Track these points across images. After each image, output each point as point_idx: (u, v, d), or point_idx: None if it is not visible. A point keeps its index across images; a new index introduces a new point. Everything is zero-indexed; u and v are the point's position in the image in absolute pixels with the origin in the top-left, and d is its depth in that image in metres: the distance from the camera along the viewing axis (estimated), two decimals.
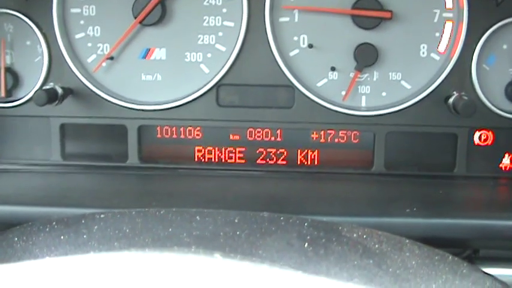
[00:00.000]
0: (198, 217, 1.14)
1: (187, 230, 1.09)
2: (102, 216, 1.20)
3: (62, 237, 1.16)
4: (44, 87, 2.40)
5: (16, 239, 1.23)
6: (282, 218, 1.15)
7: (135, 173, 2.48)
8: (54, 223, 1.23)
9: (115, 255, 1.03)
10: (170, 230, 1.09)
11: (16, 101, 2.49)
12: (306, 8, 2.38)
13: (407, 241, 1.19)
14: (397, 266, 1.08)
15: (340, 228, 1.17)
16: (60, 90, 2.41)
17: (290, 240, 1.08)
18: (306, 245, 1.08)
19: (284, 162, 2.47)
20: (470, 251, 2.04)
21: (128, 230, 1.11)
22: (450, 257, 1.18)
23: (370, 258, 1.08)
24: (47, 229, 1.21)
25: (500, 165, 2.42)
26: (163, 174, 2.48)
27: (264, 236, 1.08)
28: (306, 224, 1.15)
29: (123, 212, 1.19)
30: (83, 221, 1.19)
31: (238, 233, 1.08)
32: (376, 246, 1.14)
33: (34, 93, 2.39)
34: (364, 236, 1.16)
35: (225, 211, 1.17)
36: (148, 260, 0.98)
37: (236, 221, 1.12)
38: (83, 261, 1.01)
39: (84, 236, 1.13)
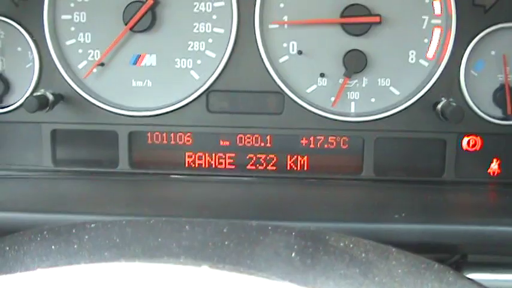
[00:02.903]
0: (187, 227, 1.16)
1: (177, 240, 1.10)
2: (92, 225, 1.21)
3: (53, 246, 1.17)
4: (35, 94, 2.42)
5: (7, 248, 1.24)
6: (269, 228, 1.17)
7: (126, 179, 2.50)
8: (45, 232, 1.24)
9: (105, 266, 1.04)
10: (160, 240, 1.11)
11: (7, 107, 2.50)
12: (295, 22, 2.41)
13: (394, 250, 1.21)
14: (383, 275, 1.10)
15: (327, 237, 1.19)
16: (51, 97, 2.42)
17: (277, 249, 1.10)
18: (293, 254, 1.10)
19: (274, 168, 2.48)
20: (459, 256, 2.06)
21: (118, 240, 1.13)
22: (436, 265, 1.20)
23: (357, 267, 1.10)
24: (38, 238, 1.22)
25: (489, 171, 2.45)
26: (154, 180, 2.49)
27: (251, 245, 1.10)
28: (293, 234, 1.16)
29: (114, 221, 1.21)
30: (74, 231, 1.21)
31: (226, 242, 1.09)
32: (363, 255, 1.16)
33: (25, 99, 2.40)
34: (351, 245, 1.18)
35: (214, 220, 1.19)
36: (138, 270, 1.00)
37: (225, 230, 1.14)
38: (73, 271, 1.02)
39: (75, 246, 1.15)
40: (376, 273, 1.10)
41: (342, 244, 1.18)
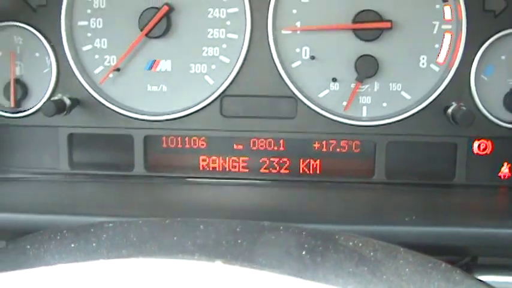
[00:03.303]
0: (201, 226, 1.20)
1: (192, 238, 1.14)
2: (110, 225, 1.25)
3: (72, 245, 1.21)
4: (53, 98, 2.46)
5: (28, 246, 1.28)
6: (281, 227, 1.21)
7: (141, 182, 2.53)
8: (64, 231, 1.28)
9: (123, 262, 1.08)
10: (175, 238, 1.15)
11: (25, 111, 2.55)
12: (308, 28, 2.44)
13: (401, 249, 1.25)
14: (391, 273, 1.13)
15: (336, 236, 1.23)
16: (68, 101, 2.46)
17: (289, 248, 1.14)
18: (304, 253, 1.13)
19: (287, 171, 2.51)
20: (469, 258, 2.08)
21: (135, 239, 1.17)
22: (443, 265, 1.23)
23: (365, 265, 1.14)
24: (58, 237, 1.27)
25: (499, 174, 2.47)
26: (169, 183, 2.53)
27: (264, 244, 1.14)
28: (304, 233, 1.20)
29: (131, 221, 1.25)
30: (92, 230, 1.25)
31: (239, 241, 1.13)
32: (371, 254, 1.19)
33: (43, 104, 2.44)
34: (360, 244, 1.22)
35: (227, 220, 1.23)
36: (155, 267, 1.04)
37: (238, 229, 1.18)
38: (92, 268, 1.06)
39: (94, 244, 1.19)
40: (384, 272, 1.14)
41: (351, 243, 1.22)
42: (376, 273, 1.12)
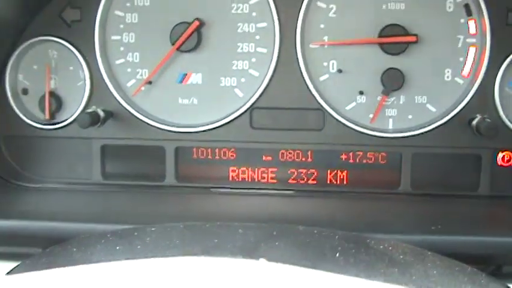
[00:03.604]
0: (240, 230, 1.27)
1: (232, 241, 1.21)
2: (153, 229, 1.32)
3: (117, 247, 1.28)
4: (87, 111, 2.53)
5: (75, 249, 1.35)
6: (315, 231, 1.27)
7: (172, 192, 2.58)
8: (109, 235, 1.36)
9: (170, 261, 1.15)
10: (216, 241, 1.22)
11: (59, 123, 2.61)
12: (335, 42, 2.49)
13: (429, 253, 1.31)
14: (420, 275, 1.20)
15: (368, 240, 1.29)
16: (102, 113, 2.53)
17: (324, 250, 1.20)
18: (338, 254, 1.20)
19: (314, 182, 2.56)
20: (493, 267, 2.11)
21: (178, 241, 1.24)
22: (469, 268, 1.29)
23: (395, 267, 1.20)
24: (103, 240, 1.34)
25: None
26: (199, 193, 2.57)
27: (300, 246, 1.20)
28: (337, 237, 1.27)
29: (173, 225, 1.32)
30: (136, 233, 1.32)
31: (277, 243, 1.20)
32: (401, 256, 1.26)
33: (78, 116, 2.52)
34: (390, 248, 1.28)
35: (264, 225, 1.30)
36: (199, 267, 1.11)
37: (274, 233, 1.25)
38: (138, 267, 1.13)
39: (138, 247, 1.26)
40: (413, 273, 1.20)
41: (381, 247, 1.28)
42: (406, 274, 1.19)
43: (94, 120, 2.48)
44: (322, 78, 2.53)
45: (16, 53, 2.59)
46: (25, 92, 2.65)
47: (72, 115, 2.60)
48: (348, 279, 1.04)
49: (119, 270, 1.12)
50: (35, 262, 1.47)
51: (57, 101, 2.61)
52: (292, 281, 1.02)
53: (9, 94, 2.61)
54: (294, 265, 1.06)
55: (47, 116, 2.60)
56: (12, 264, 2.21)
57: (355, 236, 1.31)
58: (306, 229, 1.29)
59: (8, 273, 1.58)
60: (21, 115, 2.62)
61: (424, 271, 1.22)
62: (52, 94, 2.61)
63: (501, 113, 2.45)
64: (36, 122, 2.62)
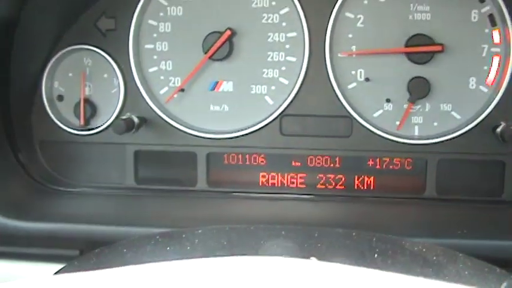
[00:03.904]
0: (283, 232, 1.35)
1: (278, 241, 1.30)
2: (200, 231, 1.41)
3: (168, 248, 1.37)
4: (122, 117, 2.60)
5: (125, 250, 1.44)
6: (354, 233, 1.36)
7: (204, 197, 2.64)
8: (158, 237, 1.44)
9: (218, 262, 1.22)
10: (262, 242, 1.30)
11: (94, 129, 2.69)
12: (363, 52, 2.56)
13: (460, 254, 1.39)
14: (453, 275, 1.27)
15: (403, 242, 1.38)
16: (136, 120, 2.60)
17: (363, 251, 1.29)
18: (376, 255, 1.28)
19: (342, 187, 2.62)
20: None
21: (225, 242, 1.32)
22: (498, 269, 1.37)
23: (430, 267, 1.28)
24: (153, 242, 1.43)
25: None
26: (230, 198, 2.63)
27: (341, 248, 1.29)
28: (374, 239, 1.35)
29: (219, 227, 1.40)
30: (184, 235, 1.40)
31: (319, 245, 1.29)
32: (434, 258, 1.34)
33: (113, 122, 2.60)
34: (424, 249, 1.36)
35: (304, 227, 1.38)
36: (250, 266, 1.18)
37: (316, 235, 1.33)
38: (190, 267, 1.20)
39: (188, 248, 1.34)
40: (447, 274, 1.28)
41: (416, 248, 1.37)
42: (440, 275, 1.27)
43: (129, 126, 2.55)
44: (350, 87, 2.58)
45: (52, 60, 2.67)
46: (60, 98, 2.72)
47: (106, 121, 2.67)
48: (396, 277, 1.11)
49: (172, 270, 1.16)
50: (84, 263, 1.54)
51: (91, 108, 2.68)
52: (342, 279, 1.09)
53: (45, 100, 2.69)
54: (341, 264, 1.13)
55: (82, 122, 2.67)
56: (50, 266, 2.33)
57: (391, 238, 1.39)
58: (344, 231, 1.38)
59: (56, 273, 1.65)
60: (56, 121, 2.70)
61: (456, 271, 1.30)
62: (87, 101, 2.68)
63: None
64: (71, 128, 2.70)
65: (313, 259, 1.17)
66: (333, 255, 1.23)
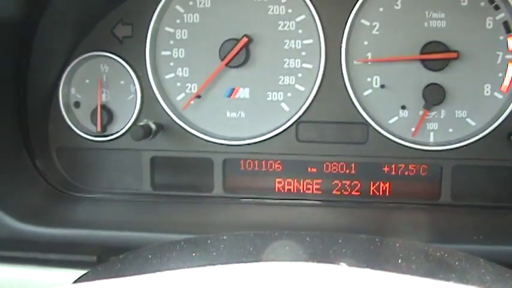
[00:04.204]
0: (308, 238, 1.39)
1: (304, 247, 1.33)
2: (224, 237, 1.45)
3: (193, 254, 1.40)
4: (140, 123, 2.64)
5: (150, 255, 1.47)
6: (377, 239, 1.39)
7: (220, 203, 2.68)
8: (182, 243, 1.48)
9: (245, 268, 1.25)
10: (288, 248, 1.34)
11: (110, 135, 2.73)
12: (378, 60, 2.60)
13: (481, 260, 1.42)
14: (475, 281, 1.31)
15: (425, 247, 1.41)
16: (153, 126, 2.64)
17: (387, 257, 1.32)
18: (400, 261, 1.32)
19: (358, 193, 2.66)
20: None
21: (251, 249, 1.36)
22: None
23: (453, 273, 1.32)
24: (178, 247, 1.46)
25: None
26: (246, 204, 2.67)
27: (365, 253, 1.32)
28: (397, 245, 1.39)
29: (243, 234, 1.44)
30: (209, 241, 1.44)
31: (344, 250, 1.32)
32: (457, 263, 1.37)
33: (131, 129, 2.63)
34: (446, 255, 1.40)
35: (328, 233, 1.42)
36: (277, 272, 1.21)
37: (340, 241, 1.37)
38: (216, 273, 1.23)
39: (214, 254, 1.38)
40: (469, 279, 1.31)
41: (438, 254, 1.40)
42: (463, 280, 1.30)
43: (146, 133, 2.58)
44: (365, 93, 2.61)
45: (69, 67, 2.71)
46: (77, 105, 2.76)
47: (122, 128, 2.71)
48: (423, 281, 1.15)
49: (198, 276, 1.19)
50: (108, 269, 1.57)
51: (108, 114, 2.72)
52: (371, 283, 1.13)
53: (62, 107, 2.73)
54: (371, 269, 1.17)
55: (99, 129, 2.71)
56: (67, 272, 2.36)
57: (414, 244, 1.43)
58: (368, 237, 1.41)
59: (77, 280, 1.67)
60: (73, 127, 2.74)
61: (478, 277, 1.33)
62: (103, 107, 2.72)
63: None
64: (88, 134, 2.74)
65: (343, 265, 1.20)
66: (359, 261, 1.27)
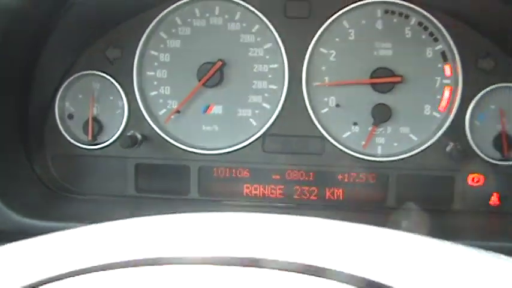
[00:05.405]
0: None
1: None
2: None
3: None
4: (127, 134, 2.87)
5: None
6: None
7: (195, 205, 2.91)
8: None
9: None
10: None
11: (100, 144, 2.95)
12: (334, 83, 2.85)
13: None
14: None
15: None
16: (139, 136, 2.87)
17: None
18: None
19: (315, 198, 2.89)
20: None
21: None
22: None
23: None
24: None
25: (490, 202, 2.82)
26: (218, 206, 2.89)
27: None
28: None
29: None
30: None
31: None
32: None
33: (120, 138, 2.88)
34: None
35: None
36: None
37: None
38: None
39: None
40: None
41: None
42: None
43: (133, 142, 2.83)
44: (323, 111, 2.85)
45: (64, 84, 2.93)
46: (71, 117, 2.99)
47: (111, 137, 2.93)
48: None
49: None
50: None
51: (98, 125, 2.94)
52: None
53: (57, 119, 2.95)
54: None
55: (90, 138, 2.93)
56: None
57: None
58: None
59: None
60: (67, 136, 2.96)
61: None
62: (94, 119, 2.94)
63: (471, 142, 2.77)
64: (80, 143, 2.96)
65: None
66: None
